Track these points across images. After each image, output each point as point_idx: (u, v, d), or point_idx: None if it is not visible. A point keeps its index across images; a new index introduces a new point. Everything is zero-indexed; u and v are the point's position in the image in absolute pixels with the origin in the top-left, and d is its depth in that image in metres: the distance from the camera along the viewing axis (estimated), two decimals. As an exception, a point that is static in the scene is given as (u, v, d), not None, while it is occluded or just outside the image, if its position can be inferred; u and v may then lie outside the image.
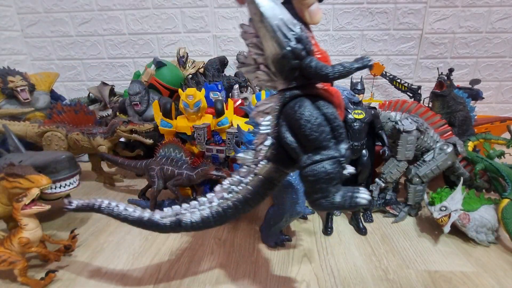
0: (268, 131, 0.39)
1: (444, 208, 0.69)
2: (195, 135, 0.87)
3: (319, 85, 0.37)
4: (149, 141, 0.95)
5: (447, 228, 0.68)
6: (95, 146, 0.96)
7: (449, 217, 0.68)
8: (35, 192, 0.58)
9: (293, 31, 0.33)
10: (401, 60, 1.42)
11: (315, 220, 0.81)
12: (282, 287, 0.58)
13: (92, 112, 1.04)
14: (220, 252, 0.68)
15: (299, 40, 0.33)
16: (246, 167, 0.42)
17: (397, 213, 0.81)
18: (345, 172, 0.36)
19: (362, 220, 0.78)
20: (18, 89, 1.02)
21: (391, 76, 1.29)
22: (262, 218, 0.77)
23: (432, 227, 0.76)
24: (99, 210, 0.48)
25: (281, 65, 0.34)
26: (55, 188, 0.71)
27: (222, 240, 0.72)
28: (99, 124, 1.06)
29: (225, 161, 0.90)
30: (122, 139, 1.03)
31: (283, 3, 0.36)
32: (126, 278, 0.60)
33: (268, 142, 0.39)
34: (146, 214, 0.46)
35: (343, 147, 0.36)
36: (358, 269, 0.62)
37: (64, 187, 0.72)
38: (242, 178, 0.42)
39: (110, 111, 1.23)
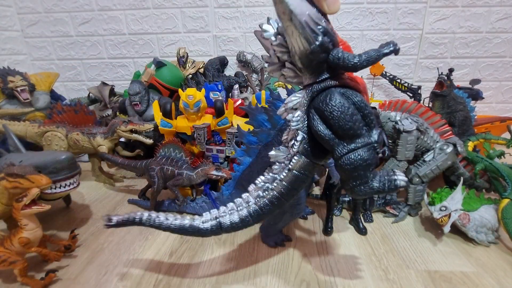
0: (299, 126, 0.40)
1: (444, 208, 0.69)
2: (195, 135, 0.88)
3: (344, 75, 0.37)
4: (149, 141, 0.95)
5: (447, 228, 0.68)
6: (95, 146, 0.96)
7: (449, 217, 0.68)
8: (35, 192, 0.58)
9: (319, 25, 0.33)
10: (401, 60, 1.43)
11: (315, 220, 0.81)
12: (282, 287, 0.58)
13: (92, 112, 1.04)
14: (220, 252, 0.68)
15: (325, 33, 0.33)
16: (278, 164, 0.43)
17: (397, 213, 0.81)
18: (400, 182, 0.37)
19: (362, 220, 0.78)
20: (18, 89, 1.02)
21: (391, 76, 1.30)
22: (262, 218, 0.78)
23: (432, 227, 0.76)
24: (140, 223, 0.50)
25: (309, 60, 0.35)
26: (55, 188, 0.71)
27: (222, 240, 0.72)
28: (99, 124, 1.06)
29: (225, 161, 0.90)
30: (122, 139, 1.03)
31: None
32: (126, 278, 0.61)
33: (300, 137, 0.40)
34: (187, 221, 0.47)
35: (375, 133, 0.36)
36: (358, 269, 0.62)
37: (64, 187, 0.72)
38: (276, 175, 0.43)
39: (110, 111, 1.23)
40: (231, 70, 1.45)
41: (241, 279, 0.60)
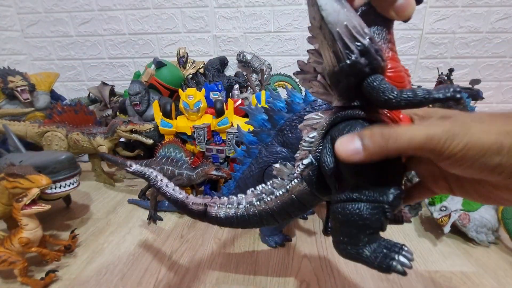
0: (310, 148, 0.35)
1: (444, 208, 0.69)
2: (195, 135, 0.88)
3: (383, 110, 0.30)
4: (149, 141, 0.95)
5: (447, 228, 0.68)
6: (95, 146, 0.96)
7: (449, 217, 0.68)
8: (35, 192, 0.58)
9: (359, 41, 0.26)
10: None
11: (315, 220, 0.81)
12: (282, 287, 0.58)
13: (92, 112, 1.04)
14: (220, 252, 0.68)
15: (364, 53, 0.26)
16: (280, 179, 0.40)
17: (397, 213, 0.81)
18: (396, 266, 0.28)
19: (362, 220, 0.78)
20: (18, 89, 1.02)
21: (391, 76, 1.29)
22: (262, 218, 0.78)
23: (432, 227, 0.76)
24: (147, 179, 0.51)
25: (336, 79, 0.29)
26: (55, 188, 0.71)
27: (222, 240, 0.72)
28: (99, 124, 1.06)
29: (225, 161, 0.90)
30: (122, 139, 1.03)
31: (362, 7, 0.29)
32: (126, 278, 0.61)
33: (307, 161, 0.34)
34: (181, 196, 0.47)
35: (392, 192, 0.27)
36: (358, 269, 0.62)
37: (64, 187, 0.72)
38: (274, 190, 0.40)
39: (110, 111, 1.23)
40: (231, 70, 1.45)
41: (241, 279, 0.60)
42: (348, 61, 0.26)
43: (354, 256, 0.29)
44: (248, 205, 0.42)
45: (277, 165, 0.40)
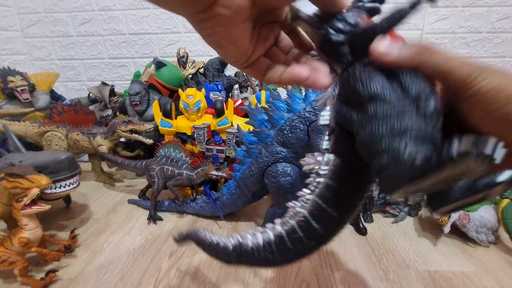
0: (327, 122, 0.33)
1: (444, 208, 0.69)
2: (195, 135, 0.88)
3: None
4: (149, 141, 0.95)
5: (447, 228, 0.68)
6: (95, 146, 0.96)
7: (449, 217, 0.68)
8: (35, 192, 0.58)
9: (335, 17, 0.29)
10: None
11: (315, 220, 0.81)
12: (282, 287, 0.58)
13: (92, 112, 1.04)
14: (220, 252, 0.68)
15: (341, 20, 0.28)
16: (312, 175, 0.33)
17: (397, 213, 0.81)
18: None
19: (362, 220, 0.78)
20: (18, 89, 1.02)
21: (391, 76, 1.29)
22: (262, 217, 0.78)
23: (432, 227, 0.76)
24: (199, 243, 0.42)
25: (325, 46, 0.30)
26: (55, 188, 0.71)
27: (222, 240, 0.72)
28: (99, 124, 1.06)
29: (225, 161, 0.90)
30: (122, 139, 1.03)
31: None
32: (126, 278, 0.61)
33: (329, 131, 0.32)
34: (216, 237, 0.40)
35: (433, 100, 0.23)
36: (358, 269, 0.62)
37: (64, 187, 0.72)
38: (309, 191, 0.34)
39: (110, 111, 1.23)
40: (231, 70, 1.45)
41: (241, 279, 0.60)
42: (326, 26, 0.28)
43: (405, 173, 0.23)
44: (284, 220, 0.35)
45: (305, 158, 0.34)
